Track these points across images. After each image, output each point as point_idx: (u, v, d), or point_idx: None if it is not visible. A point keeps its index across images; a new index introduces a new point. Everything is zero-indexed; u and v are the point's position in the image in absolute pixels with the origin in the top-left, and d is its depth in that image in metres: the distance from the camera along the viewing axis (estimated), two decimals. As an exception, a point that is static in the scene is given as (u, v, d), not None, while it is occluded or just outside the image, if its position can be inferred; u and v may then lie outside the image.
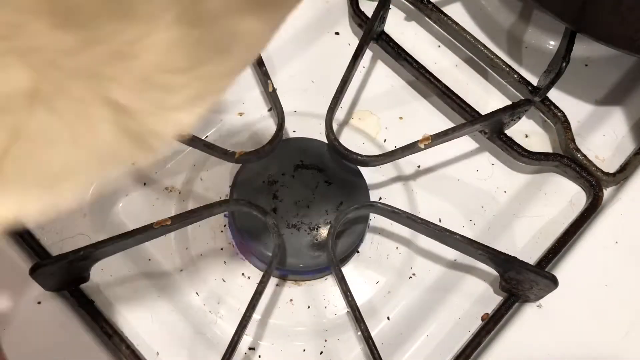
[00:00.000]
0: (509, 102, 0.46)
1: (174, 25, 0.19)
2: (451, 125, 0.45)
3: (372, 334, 0.37)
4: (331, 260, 0.38)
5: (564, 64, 0.43)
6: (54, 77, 0.20)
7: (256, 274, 0.41)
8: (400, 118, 0.47)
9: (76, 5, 0.19)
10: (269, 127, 0.45)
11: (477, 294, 0.42)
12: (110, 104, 0.20)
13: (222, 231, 0.42)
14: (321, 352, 0.39)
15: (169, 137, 0.21)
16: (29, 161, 0.21)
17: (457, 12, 0.51)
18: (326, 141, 0.42)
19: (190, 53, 0.20)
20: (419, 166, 0.45)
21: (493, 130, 0.44)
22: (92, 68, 0.20)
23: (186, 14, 0.20)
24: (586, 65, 0.50)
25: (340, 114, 0.46)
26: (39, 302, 0.38)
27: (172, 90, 0.21)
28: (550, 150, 0.46)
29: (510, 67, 0.46)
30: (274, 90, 0.43)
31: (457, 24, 0.48)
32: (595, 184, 0.44)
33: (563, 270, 0.41)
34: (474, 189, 0.45)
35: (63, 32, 0.19)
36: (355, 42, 0.46)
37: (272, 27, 0.21)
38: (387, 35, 0.48)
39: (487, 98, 0.48)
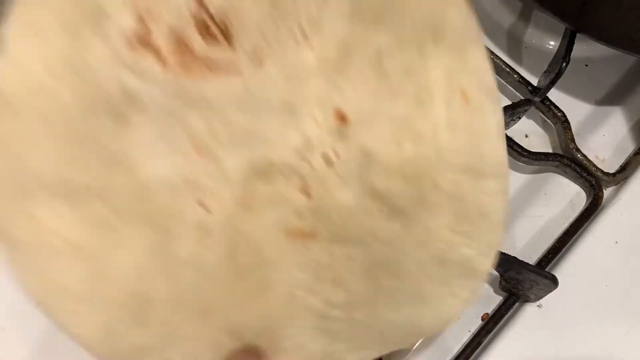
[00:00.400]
0: (509, 102, 0.46)
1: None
2: (451, 125, 0.45)
3: (372, 334, 0.37)
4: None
5: (564, 64, 0.43)
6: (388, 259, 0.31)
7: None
8: (400, 118, 0.47)
9: (399, 202, 0.31)
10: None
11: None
12: (434, 259, 0.31)
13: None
14: (321, 352, 0.39)
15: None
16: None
17: (457, 12, 0.51)
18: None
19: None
20: (419, 166, 0.45)
21: (493, 130, 0.44)
22: (416, 238, 0.31)
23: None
24: (586, 65, 0.50)
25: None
26: (39, 302, 0.38)
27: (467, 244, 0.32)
28: (550, 150, 0.46)
29: (510, 67, 0.46)
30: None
31: (457, 24, 0.48)
32: (595, 184, 0.44)
33: (563, 270, 0.40)
34: (474, 189, 0.45)
35: (393, 222, 0.31)
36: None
37: None
38: (387, 35, 0.48)
39: (487, 98, 0.48)
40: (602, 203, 0.44)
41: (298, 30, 0.32)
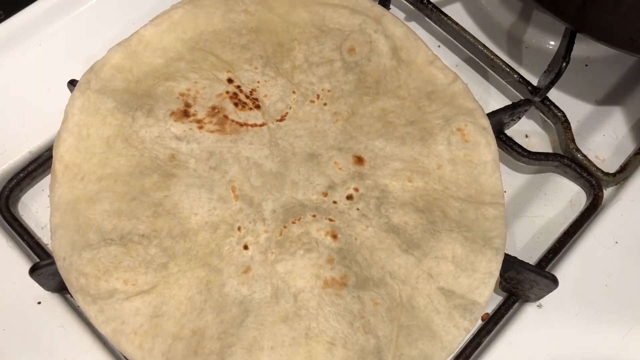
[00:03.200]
0: (509, 102, 0.46)
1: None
2: (451, 125, 0.45)
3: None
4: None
5: (564, 64, 0.43)
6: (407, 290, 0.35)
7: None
8: (400, 118, 0.47)
9: (415, 237, 0.36)
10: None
11: (477, 294, 0.41)
12: (440, 291, 0.35)
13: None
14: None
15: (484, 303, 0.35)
16: None
17: (457, 12, 0.51)
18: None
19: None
20: (419, 166, 0.45)
21: (493, 130, 0.44)
22: (426, 272, 0.35)
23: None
24: (586, 65, 0.50)
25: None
26: (39, 302, 0.38)
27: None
28: (550, 150, 0.46)
29: (510, 67, 0.46)
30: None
31: (457, 24, 0.48)
32: (595, 184, 0.44)
33: (563, 270, 0.40)
34: (474, 189, 0.45)
35: (409, 256, 0.35)
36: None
37: None
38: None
39: (487, 98, 0.48)
40: (602, 203, 0.44)
41: (313, 95, 0.40)
